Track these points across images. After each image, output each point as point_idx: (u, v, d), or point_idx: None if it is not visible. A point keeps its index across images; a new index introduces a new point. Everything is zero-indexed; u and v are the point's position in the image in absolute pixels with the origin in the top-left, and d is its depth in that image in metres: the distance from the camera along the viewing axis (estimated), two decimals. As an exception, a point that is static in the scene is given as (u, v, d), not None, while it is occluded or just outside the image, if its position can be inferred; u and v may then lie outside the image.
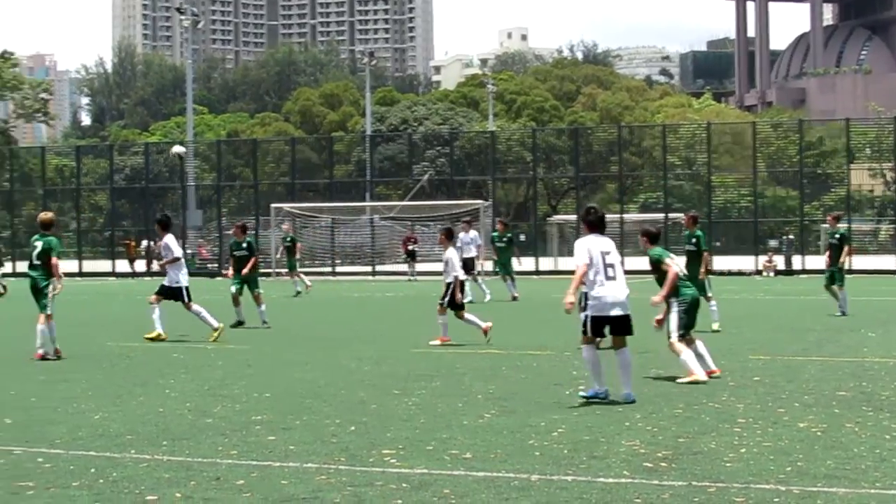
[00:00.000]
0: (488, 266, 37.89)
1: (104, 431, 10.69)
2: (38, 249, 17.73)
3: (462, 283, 19.92)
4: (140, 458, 9.35)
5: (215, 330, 20.55)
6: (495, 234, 35.56)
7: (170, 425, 11.09)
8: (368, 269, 58.82)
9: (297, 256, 40.57)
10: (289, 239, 39.98)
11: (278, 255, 41.83)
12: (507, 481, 8.44)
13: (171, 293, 20.93)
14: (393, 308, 31.96)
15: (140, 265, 65.39)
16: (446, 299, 19.49)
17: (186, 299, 20.85)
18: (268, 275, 44.12)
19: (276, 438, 10.46)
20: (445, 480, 8.50)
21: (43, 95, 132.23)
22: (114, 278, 62.01)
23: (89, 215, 78.93)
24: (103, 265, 66.30)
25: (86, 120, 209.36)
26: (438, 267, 22.85)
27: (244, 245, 24.81)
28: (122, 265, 65.74)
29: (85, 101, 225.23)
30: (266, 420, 11.47)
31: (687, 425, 10.90)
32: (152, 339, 20.38)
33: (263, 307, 24.01)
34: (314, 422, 11.41)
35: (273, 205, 55.90)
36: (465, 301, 20.25)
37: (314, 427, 11.11)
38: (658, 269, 14.49)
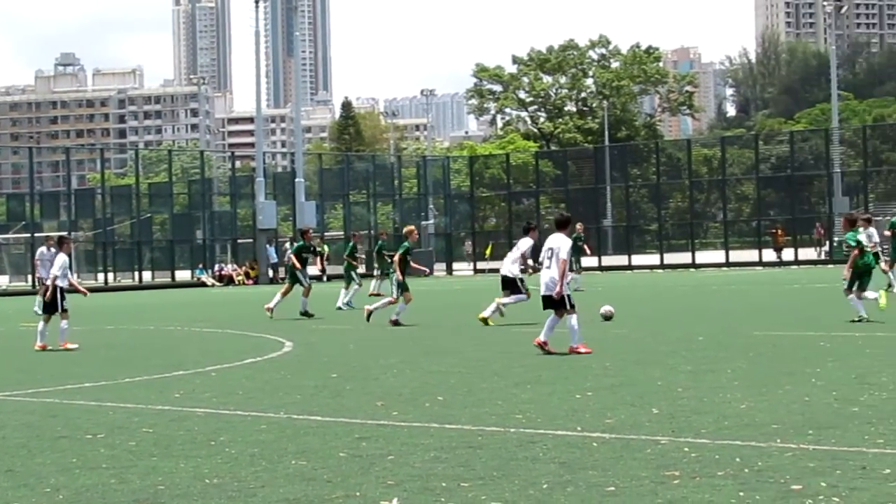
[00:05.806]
0: None
1: (750, 421, 10.77)
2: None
3: None
4: (785, 448, 9.33)
5: None
6: None
7: (815, 414, 11.00)
8: None
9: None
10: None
11: None
12: None
13: None
14: None
15: (787, 254, 65.35)
16: None
17: None
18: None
19: (927, 428, 10.11)
20: None
21: (688, 88, 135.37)
22: (760, 268, 62.36)
23: (735, 205, 79.81)
24: (749, 255, 66.89)
25: (730, 111, 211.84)
26: None
27: None
28: (768, 254, 65.94)
29: (729, 91, 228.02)
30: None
31: None
32: None
33: None
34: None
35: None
36: None
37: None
38: None
